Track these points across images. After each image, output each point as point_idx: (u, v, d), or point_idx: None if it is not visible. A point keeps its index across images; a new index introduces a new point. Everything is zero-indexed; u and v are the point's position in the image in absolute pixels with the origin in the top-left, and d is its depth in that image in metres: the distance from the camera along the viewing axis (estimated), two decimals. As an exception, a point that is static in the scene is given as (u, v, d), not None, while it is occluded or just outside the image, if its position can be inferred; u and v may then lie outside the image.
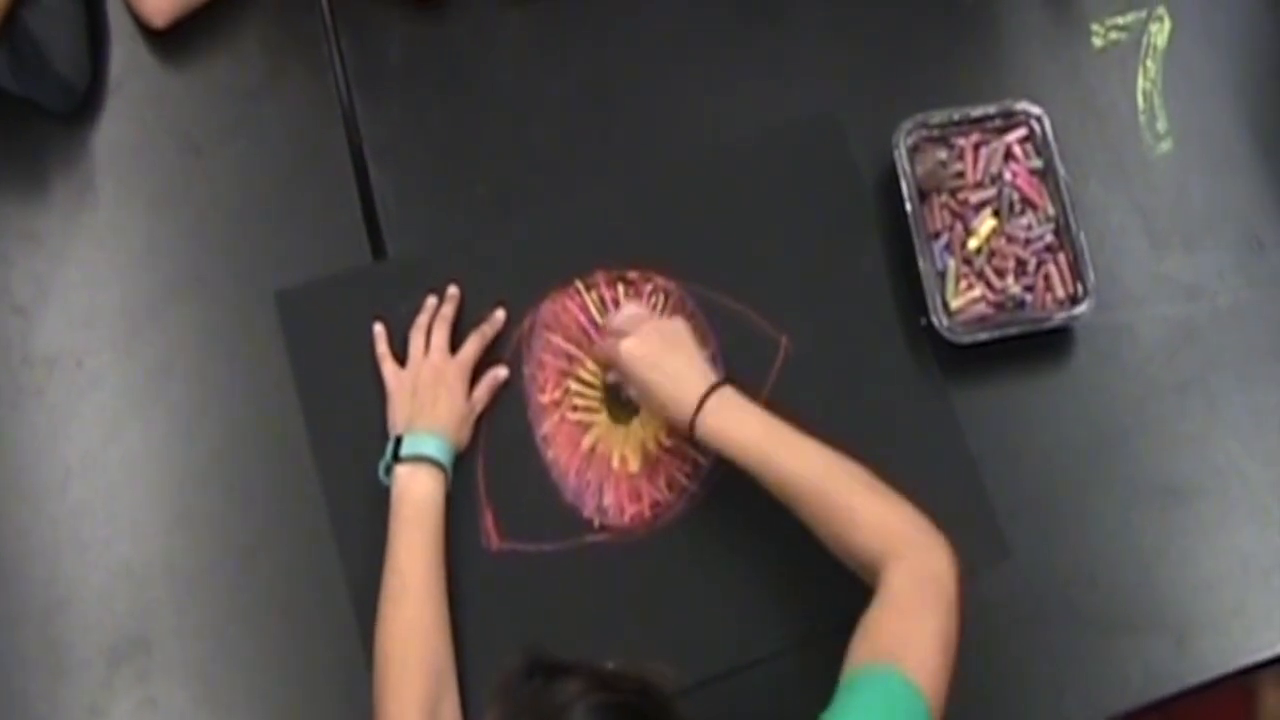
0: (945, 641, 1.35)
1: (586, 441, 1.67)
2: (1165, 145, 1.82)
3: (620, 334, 1.59)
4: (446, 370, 1.62)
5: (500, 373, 1.65)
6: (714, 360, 1.67)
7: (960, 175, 1.74)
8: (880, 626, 1.37)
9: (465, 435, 1.61)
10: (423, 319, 1.66)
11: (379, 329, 1.66)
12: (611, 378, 1.66)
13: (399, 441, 1.57)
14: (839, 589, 1.56)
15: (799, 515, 1.48)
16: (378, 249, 1.75)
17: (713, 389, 1.52)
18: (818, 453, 1.49)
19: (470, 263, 1.72)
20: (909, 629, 1.36)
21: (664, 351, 1.56)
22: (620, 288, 1.72)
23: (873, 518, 1.43)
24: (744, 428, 1.51)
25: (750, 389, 1.63)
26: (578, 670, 1.20)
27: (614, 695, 1.19)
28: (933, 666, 1.33)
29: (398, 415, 1.60)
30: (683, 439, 1.64)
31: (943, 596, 1.38)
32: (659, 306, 1.71)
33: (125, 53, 1.82)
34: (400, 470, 1.55)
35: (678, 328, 1.59)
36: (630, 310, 1.65)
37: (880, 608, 1.38)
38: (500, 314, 1.68)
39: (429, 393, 1.60)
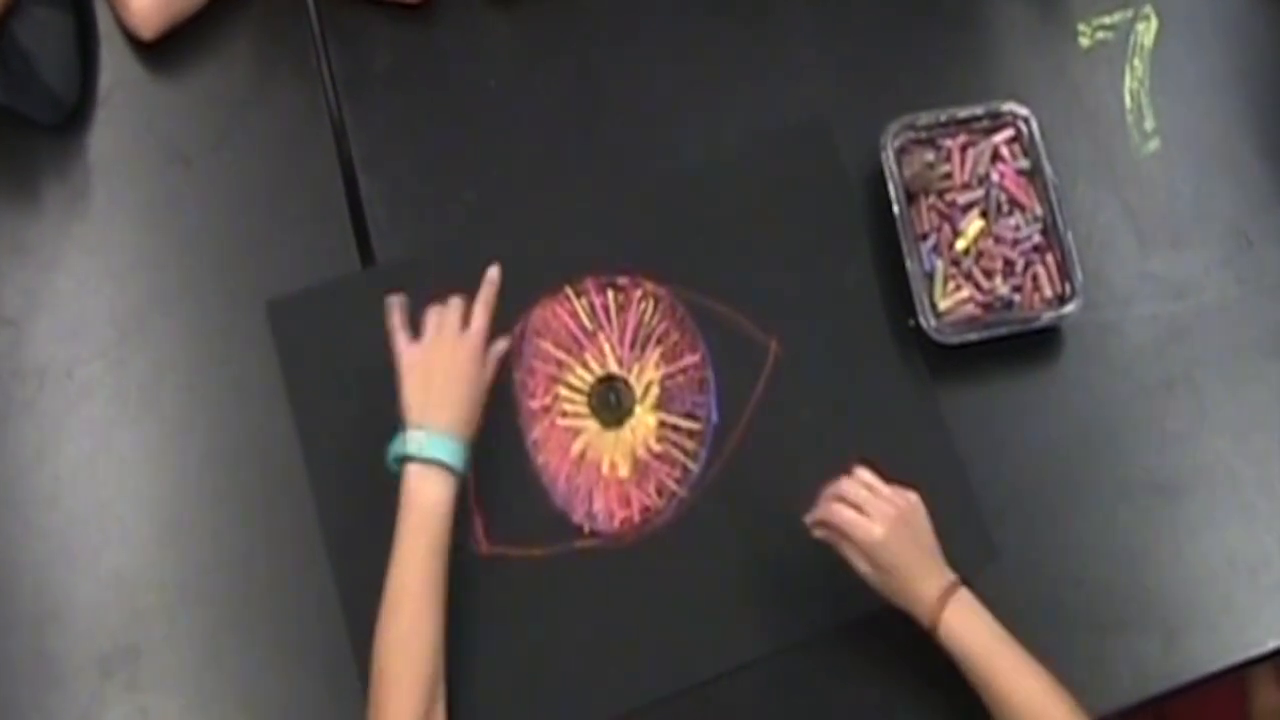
0: None
1: (576, 447, 1.67)
2: (1153, 144, 1.82)
3: (856, 507, 1.49)
4: (460, 351, 1.55)
5: (501, 345, 1.61)
6: (704, 364, 1.68)
7: (948, 176, 1.74)
8: None
9: (480, 422, 1.56)
10: (455, 303, 1.59)
11: (394, 299, 1.58)
12: (821, 535, 1.52)
13: (411, 435, 1.51)
14: (826, 596, 1.57)
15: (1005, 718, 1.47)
16: (367, 257, 1.75)
17: (952, 588, 1.48)
18: (1039, 674, 1.46)
19: (461, 268, 1.71)
20: None
21: (912, 544, 1.49)
22: (610, 293, 1.72)
23: None
24: (979, 637, 1.47)
25: (740, 393, 1.64)
26: None
27: None
28: None
29: (411, 401, 1.52)
30: (673, 445, 1.65)
31: None
32: (648, 312, 1.71)
33: (114, 64, 1.82)
34: (411, 469, 1.49)
35: (920, 513, 1.51)
36: (868, 480, 1.51)
37: None
38: (495, 271, 1.61)
39: (443, 380, 1.53)
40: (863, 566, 1.48)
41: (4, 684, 1.59)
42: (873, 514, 1.47)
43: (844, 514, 1.47)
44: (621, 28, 1.86)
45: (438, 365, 1.54)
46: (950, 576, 1.49)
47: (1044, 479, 1.69)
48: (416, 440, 1.49)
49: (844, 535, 1.48)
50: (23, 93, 1.74)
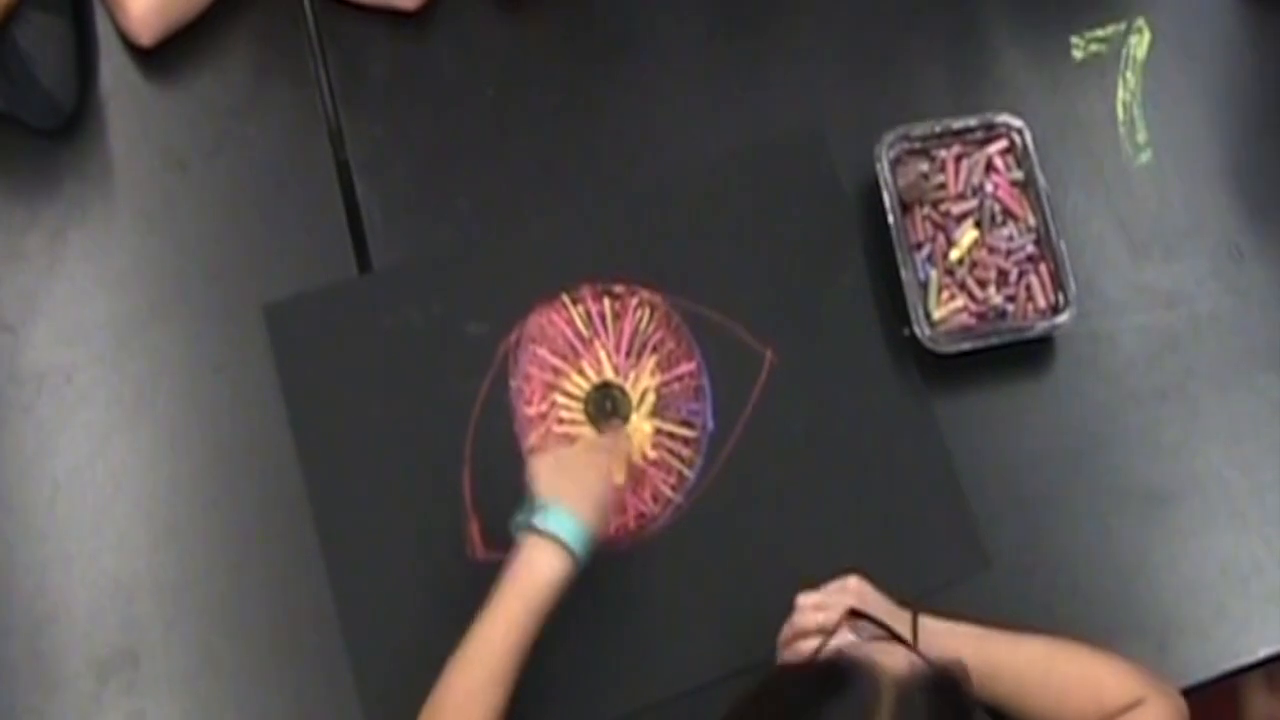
0: None
1: (572, 454, 1.67)
2: (1145, 156, 1.83)
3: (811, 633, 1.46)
4: (598, 447, 1.56)
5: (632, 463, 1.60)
6: (699, 372, 1.69)
7: (942, 187, 1.75)
8: None
9: (608, 524, 1.54)
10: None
11: None
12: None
13: (541, 506, 1.47)
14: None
15: (1031, 698, 1.45)
16: (363, 264, 1.76)
17: (914, 624, 1.45)
18: (1031, 636, 1.48)
19: (458, 275, 1.73)
20: None
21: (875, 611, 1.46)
22: (606, 301, 1.73)
23: (1110, 673, 1.45)
24: (964, 647, 1.43)
25: (736, 401, 1.64)
26: None
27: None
28: None
29: (541, 476, 1.49)
30: (668, 452, 1.67)
31: None
32: (645, 320, 1.72)
33: (112, 70, 1.82)
34: (533, 539, 1.45)
35: (867, 593, 1.47)
36: (810, 601, 1.47)
37: None
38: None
39: (580, 466, 1.51)
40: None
41: (1, 688, 1.60)
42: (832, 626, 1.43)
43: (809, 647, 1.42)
44: (619, 38, 1.87)
45: (576, 451, 1.54)
46: (907, 617, 1.46)
47: (1037, 487, 1.69)
48: (543, 512, 1.45)
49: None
50: (21, 98, 1.74)
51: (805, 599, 1.47)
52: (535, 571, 1.44)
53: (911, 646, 1.36)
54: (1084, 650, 1.46)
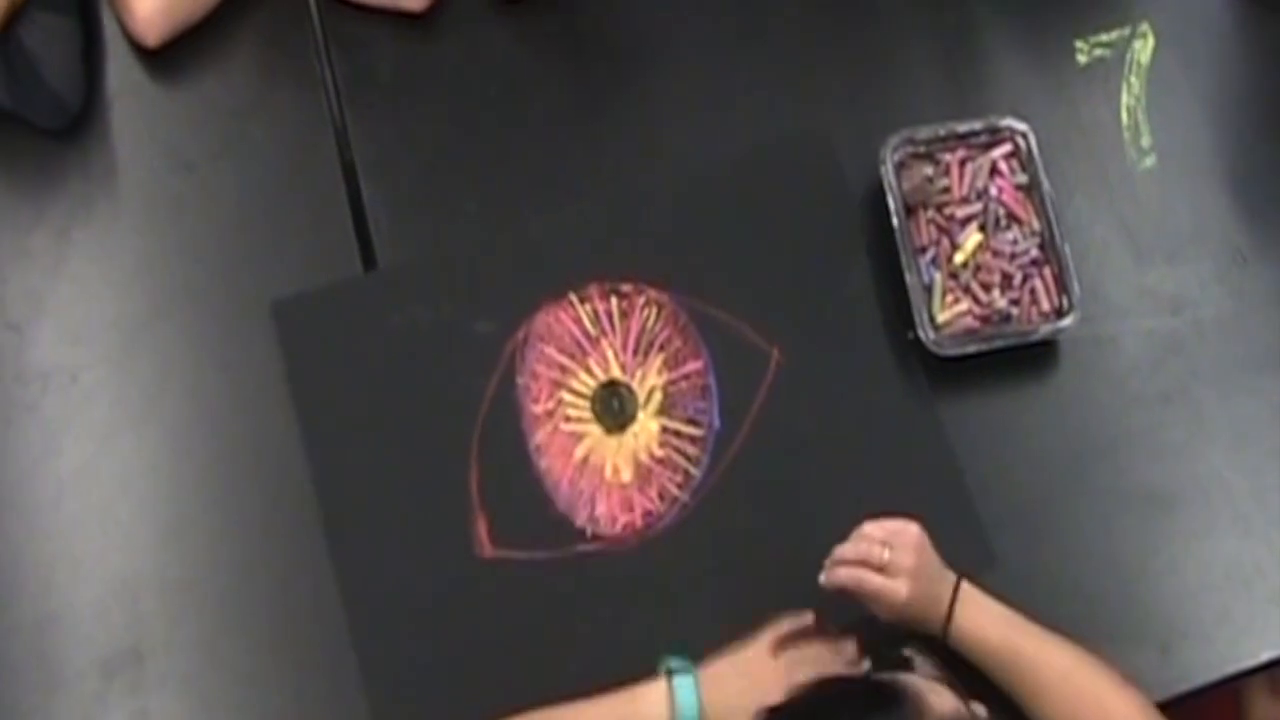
0: None
1: (579, 452, 1.68)
2: (1149, 160, 1.84)
3: (883, 544, 1.50)
4: (779, 681, 1.50)
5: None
6: (706, 371, 1.70)
7: (946, 190, 1.75)
8: None
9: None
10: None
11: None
12: (850, 582, 1.51)
13: (687, 670, 1.49)
14: (827, 599, 1.57)
15: (1038, 702, 1.48)
16: (369, 264, 1.76)
17: (955, 589, 1.51)
18: (1063, 643, 1.50)
19: (467, 274, 1.74)
20: None
21: (925, 582, 1.50)
22: (614, 300, 1.73)
23: (1124, 710, 1.46)
24: (994, 627, 1.50)
25: (742, 400, 1.64)
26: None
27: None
28: None
29: (718, 676, 1.49)
30: (675, 451, 1.67)
31: None
32: (651, 319, 1.72)
33: (118, 70, 1.82)
34: (661, 684, 1.48)
35: (926, 544, 1.51)
36: (877, 535, 1.50)
37: None
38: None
39: (744, 681, 1.49)
40: (885, 614, 1.50)
41: (6, 686, 1.60)
42: (895, 573, 1.48)
43: (872, 581, 1.48)
44: (625, 39, 1.88)
45: (755, 669, 1.51)
46: (952, 579, 1.51)
47: (1040, 490, 1.70)
48: (683, 675, 1.48)
49: (870, 598, 1.50)
50: (27, 98, 1.74)
51: (871, 528, 1.51)
52: (638, 702, 1.47)
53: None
54: (1107, 675, 1.48)
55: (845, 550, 1.50)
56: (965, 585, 1.51)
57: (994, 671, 1.49)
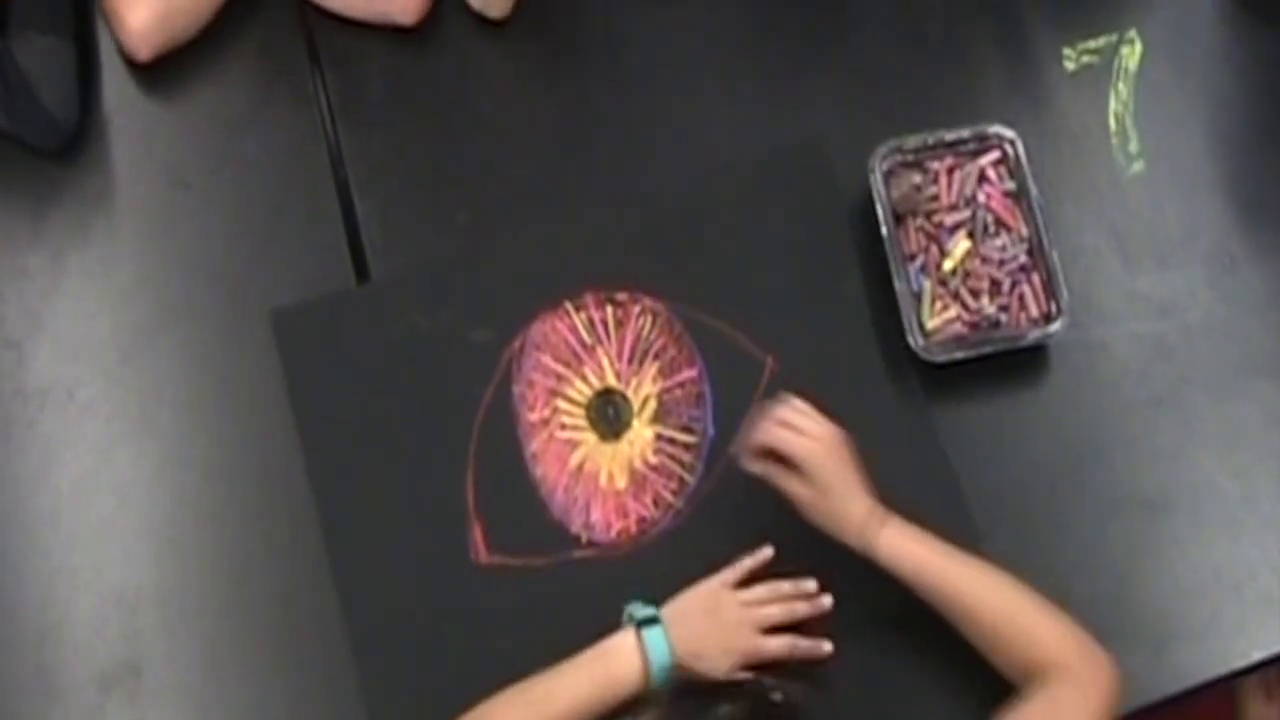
0: None
1: (575, 459, 1.69)
2: (1137, 166, 1.84)
3: (794, 428, 1.55)
4: (746, 619, 1.55)
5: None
6: (700, 379, 1.71)
7: (935, 198, 1.76)
8: None
9: (699, 674, 1.51)
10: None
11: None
12: (759, 469, 1.58)
13: (655, 619, 1.52)
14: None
15: (965, 624, 1.52)
16: (362, 277, 1.77)
17: (885, 511, 1.54)
18: (987, 567, 1.53)
19: (463, 284, 1.75)
20: None
21: (848, 463, 1.55)
22: (609, 309, 1.74)
23: (1047, 632, 1.49)
24: (921, 544, 1.53)
25: (737, 407, 1.65)
26: (730, 692, 1.28)
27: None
28: None
29: (678, 604, 1.55)
30: (669, 458, 1.68)
31: (1104, 710, 1.45)
32: (647, 327, 1.73)
33: (113, 89, 1.84)
34: (630, 636, 1.51)
35: (847, 442, 1.57)
36: (801, 405, 1.58)
37: (1035, 705, 1.44)
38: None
39: (709, 620, 1.54)
40: (798, 489, 1.54)
41: (5, 699, 1.61)
42: (809, 433, 1.54)
43: (784, 433, 1.54)
44: (616, 51, 1.89)
45: (722, 606, 1.55)
46: (876, 502, 1.55)
47: (1033, 495, 1.70)
48: (652, 627, 1.51)
49: (781, 457, 1.54)
50: (23, 118, 1.76)
51: (798, 402, 1.58)
52: (617, 665, 1.50)
53: None
54: (1035, 603, 1.50)
55: (757, 431, 1.56)
56: (895, 519, 1.54)
57: (919, 593, 1.53)
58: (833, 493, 1.53)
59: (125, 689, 1.61)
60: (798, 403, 1.58)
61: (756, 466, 1.57)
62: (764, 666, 1.53)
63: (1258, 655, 1.66)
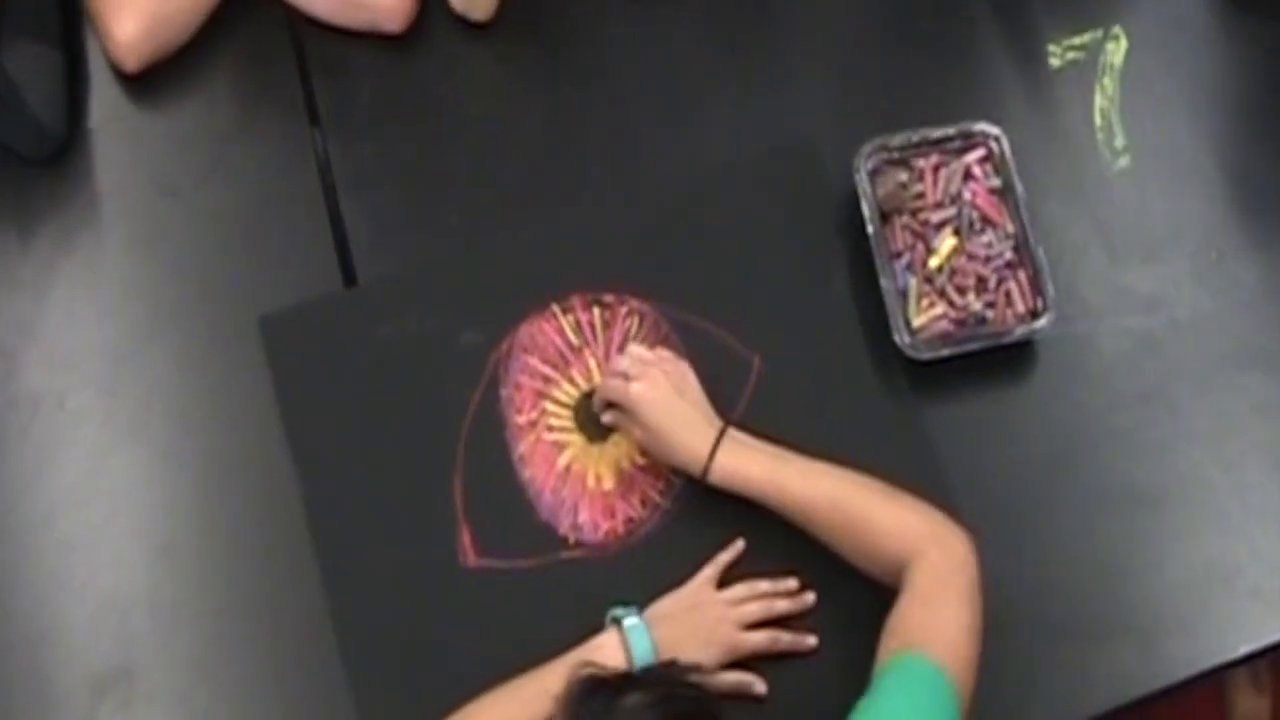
0: (970, 625, 1.43)
1: (562, 461, 1.69)
2: (1123, 161, 1.84)
3: (625, 376, 1.60)
4: (726, 616, 1.57)
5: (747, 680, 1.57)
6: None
7: (920, 196, 1.76)
8: (906, 619, 1.44)
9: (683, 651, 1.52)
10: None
11: None
12: (609, 419, 1.67)
13: (637, 620, 1.53)
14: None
15: (820, 535, 1.54)
16: (351, 283, 1.78)
17: (721, 433, 1.57)
18: (829, 472, 1.55)
19: (451, 287, 1.76)
20: (934, 618, 1.43)
21: (674, 397, 1.59)
22: (596, 310, 1.75)
23: (892, 523, 1.51)
24: (755, 464, 1.56)
25: (724, 408, 1.65)
26: (639, 681, 1.30)
27: (676, 705, 1.29)
28: (960, 651, 1.41)
29: (666, 614, 1.56)
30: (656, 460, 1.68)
31: (965, 585, 1.46)
32: (634, 329, 1.74)
33: (102, 99, 1.85)
34: (614, 635, 1.52)
35: (684, 371, 1.62)
36: (635, 351, 1.63)
37: (905, 602, 1.45)
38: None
39: (699, 621, 1.56)
40: (636, 431, 1.61)
41: (-1, 704, 1.62)
42: (634, 377, 1.58)
43: (612, 382, 1.61)
44: (603, 54, 1.90)
45: (703, 603, 1.57)
46: (719, 423, 1.58)
47: (1021, 491, 1.70)
48: (636, 628, 1.52)
49: (622, 404, 1.60)
50: (12, 127, 1.77)
51: (634, 348, 1.64)
52: (594, 657, 1.49)
53: None
54: (881, 496, 1.53)
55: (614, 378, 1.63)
56: (730, 429, 1.58)
57: (763, 504, 1.56)
58: (663, 431, 1.57)
59: (118, 694, 1.61)
60: (632, 348, 1.64)
61: (607, 417, 1.66)
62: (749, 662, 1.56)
63: (1246, 649, 1.65)
